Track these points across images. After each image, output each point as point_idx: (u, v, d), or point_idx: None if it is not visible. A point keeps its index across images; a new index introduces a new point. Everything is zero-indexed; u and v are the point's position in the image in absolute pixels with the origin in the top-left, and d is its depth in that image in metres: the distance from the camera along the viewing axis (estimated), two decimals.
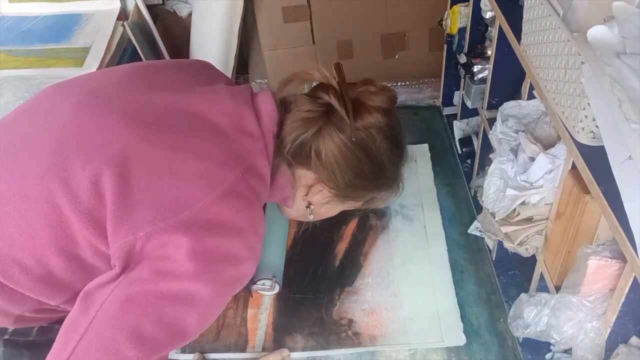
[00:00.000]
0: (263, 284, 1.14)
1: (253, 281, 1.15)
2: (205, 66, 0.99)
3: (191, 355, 1.10)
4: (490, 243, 1.24)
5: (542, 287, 1.00)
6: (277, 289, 1.16)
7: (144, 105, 0.82)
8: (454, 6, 1.37)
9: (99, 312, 0.72)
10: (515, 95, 1.12)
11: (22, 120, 0.83)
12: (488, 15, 1.21)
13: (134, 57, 1.82)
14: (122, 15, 1.84)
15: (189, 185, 0.75)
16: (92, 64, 1.60)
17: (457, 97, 1.58)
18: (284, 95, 0.91)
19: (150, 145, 0.76)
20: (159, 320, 0.73)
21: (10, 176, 0.76)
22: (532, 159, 0.92)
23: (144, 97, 0.83)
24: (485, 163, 1.19)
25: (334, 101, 0.87)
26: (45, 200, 0.74)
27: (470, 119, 1.49)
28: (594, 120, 0.72)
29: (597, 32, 0.68)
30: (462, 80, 1.38)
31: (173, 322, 0.74)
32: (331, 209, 0.98)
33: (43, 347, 0.75)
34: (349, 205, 0.98)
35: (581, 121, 0.74)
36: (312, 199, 0.94)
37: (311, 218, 0.99)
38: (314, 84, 0.93)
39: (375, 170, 0.91)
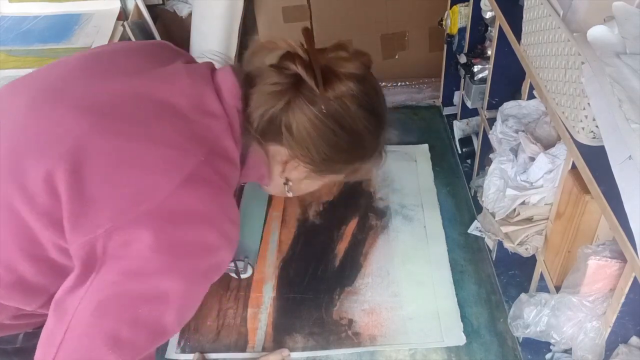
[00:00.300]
0: (235, 266, 1.13)
1: None
2: (163, 46, 0.94)
3: (191, 355, 1.10)
4: (490, 243, 1.24)
5: (542, 287, 1.00)
6: (249, 271, 1.15)
7: (98, 94, 0.78)
8: (454, 6, 1.37)
9: (72, 321, 0.70)
10: (515, 95, 1.12)
11: None
12: (488, 15, 1.21)
13: None
14: (122, 15, 1.84)
15: (147, 176, 0.72)
16: None
17: (457, 97, 1.58)
18: (250, 68, 0.85)
19: (105, 137, 0.73)
20: (135, 322, 0.71)
21: None
22: (532, 159, 0.92)
23: (97, 86, 0.79)
24: (485, 163, 1.19)
25: (301, 71, 0.80)
26: (3, 205, 0.71)
27: (470, 119, 1.49)
28: (594, 120, 0.72)
29: (597, 32, 0.68)
30: (462, 80, 1.38)
31: (150, 321, 0.72)
32: (311, 184, 0.94)
33: (31, 352, 0.73)
34: (329, 179, 0.93)
35: (581, 121, 0.74)
36: (290, 175, 0.90)
37: (290, 194, 0.95)
38: None
39: (351, 142, 0.85)
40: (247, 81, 0.83)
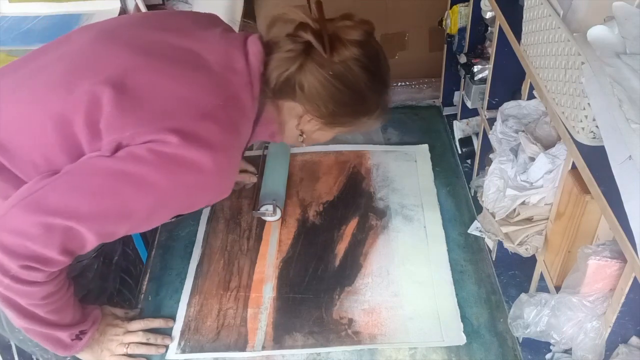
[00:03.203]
0: (266, 209, 1.30)
1: (256, 209, 1.32)
2: (210, 16, 1.11)
3: (192, 355, 1.10)
4: (490, 243, 1.24)
5: (542, 287, 1.00)
6: (279, 214, 1.32)
7: (144, 39, 0.97)
8: (454, 6, 1.37)
9: (71, 169, 0.88)
10: (515, 95, 1.12)
11: (50, 50, 1.00)
12: (488, 15, 1.21)
13: None
14: (122, 15, 1.84)
15: (174, 102, 0.89)
16: None
17: (457, 97, 1.58)
18: (270, 37, 1.00)
19: (145, 69, 0.91)
20: (116, 193, 0.87)
21: (33, 88, 0.92)
22: (532, 159, 0.92)
23: (144, 33, 0.98)
24: (485, 163, 1.19)
25: (311, 39, 0.94)
26: (54, 107, 0.89)
27: (470, 119, 1.49)
28: (594, 120, 0.72)
29: (597, 32, 0.68)
30: (462, 80, 1.38)
31: (127, 199, 0.88)
32: (323, 135, 1.09)
33: None
34: (338, 131, 1.09)
35: (581, 121, 0.74)
36: (304, 128, 1.05)
37: (304, 145, 1.12)
38: None
39: (354, 98, 1.00)
40: (267, 48, 0.99)
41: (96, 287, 1.16)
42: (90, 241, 0.89)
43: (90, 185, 0.87)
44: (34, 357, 1.20)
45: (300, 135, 1.08)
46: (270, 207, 1.30)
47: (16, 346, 1.17)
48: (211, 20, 1.09)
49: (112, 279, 1.21)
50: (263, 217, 1.33)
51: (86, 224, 0.87)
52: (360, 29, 0.99)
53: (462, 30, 1.37)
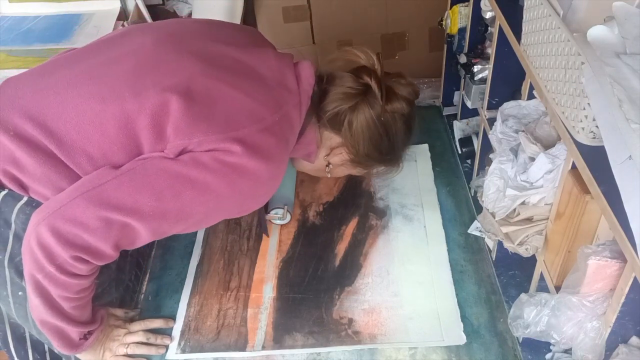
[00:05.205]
0: (276, 213, 1.30)
1: (267, 211, 1.31)
2: (257, 33, 1.18)
3: (191, 355, 1.10)
4: (490, 243, 1.24)
5: (542, 287, 1.00)
6: (288, 217, 1.33)
7: (208, 50, 1.00)
8: (454, 6, 1.37)
9: (136, 166, 0.89)
10: (515, 95, 1.12)
11: (107, 48, 1.02)
12: (488, 15, 1.21)
13: None
14: (122, 15, 1.84)
15: (236, 114, 0.93)
16: None
17: (457, 97, 1.58)
18: (330, 69, 1.10)
19: (210, 78, 0.94)
20: (178, 195, 0.90)
21: (94, 84, 0.93)
22: (532, 159, 0.92)
23: (207, 44, 1.01)
24: (485, 163, 1.19)
25: (373, 84, 1.05)
26: (117, 105, 0.90)
27: (470, 119, 1.49)
28: (594, 120, 0.72)
29: (597, 32, 0.68)
30: (462, 80, 1.38)
31: (187, 202, 0.91)
32: (343, 171, 1.21)
33: None
34: (357, 171, 1.21)
35: (581, 121, 0.74)
36: (332, 160, 1.15)
37: (329, 175, 1.21)
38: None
39: (389, 147, 1.11)
40: (328, 79, 1.09)
41: (116, 278, 1.16)
42: (143, 238, 0.92)
43: (154, 185, 0.89)
44: (46, 348, 1.20)
45: (327, 165, 1.16)
46: (280, 211, 1.30)
47: (31, 338, 1.17)
48: (259, 37, 1.14)
49: (128, 271, 1.22)
50: (272, 221, 1.33)
51: (144, 222, 0.89)
52: (410, 88, 1.10)
53: (462, 30, 1.37)
